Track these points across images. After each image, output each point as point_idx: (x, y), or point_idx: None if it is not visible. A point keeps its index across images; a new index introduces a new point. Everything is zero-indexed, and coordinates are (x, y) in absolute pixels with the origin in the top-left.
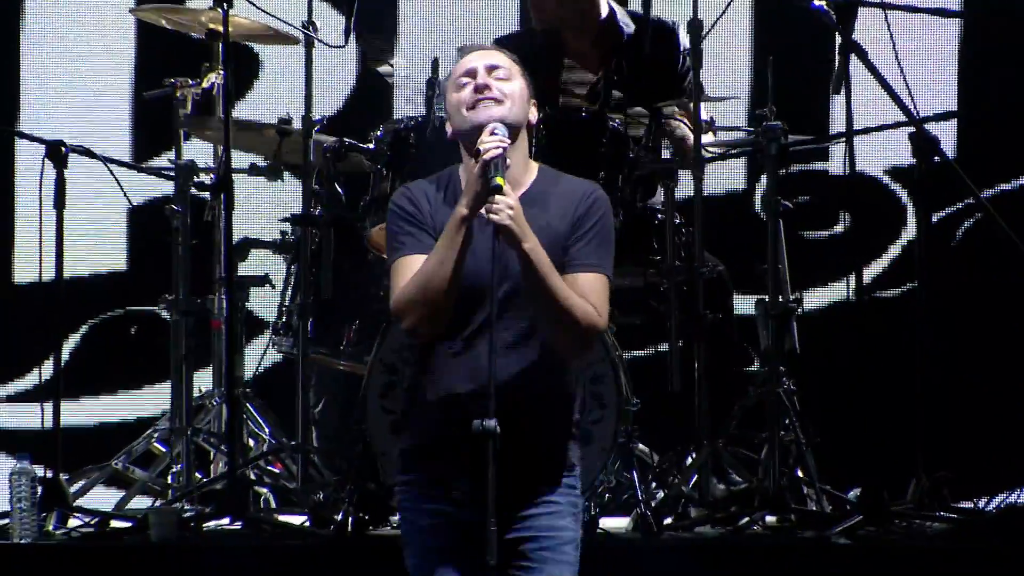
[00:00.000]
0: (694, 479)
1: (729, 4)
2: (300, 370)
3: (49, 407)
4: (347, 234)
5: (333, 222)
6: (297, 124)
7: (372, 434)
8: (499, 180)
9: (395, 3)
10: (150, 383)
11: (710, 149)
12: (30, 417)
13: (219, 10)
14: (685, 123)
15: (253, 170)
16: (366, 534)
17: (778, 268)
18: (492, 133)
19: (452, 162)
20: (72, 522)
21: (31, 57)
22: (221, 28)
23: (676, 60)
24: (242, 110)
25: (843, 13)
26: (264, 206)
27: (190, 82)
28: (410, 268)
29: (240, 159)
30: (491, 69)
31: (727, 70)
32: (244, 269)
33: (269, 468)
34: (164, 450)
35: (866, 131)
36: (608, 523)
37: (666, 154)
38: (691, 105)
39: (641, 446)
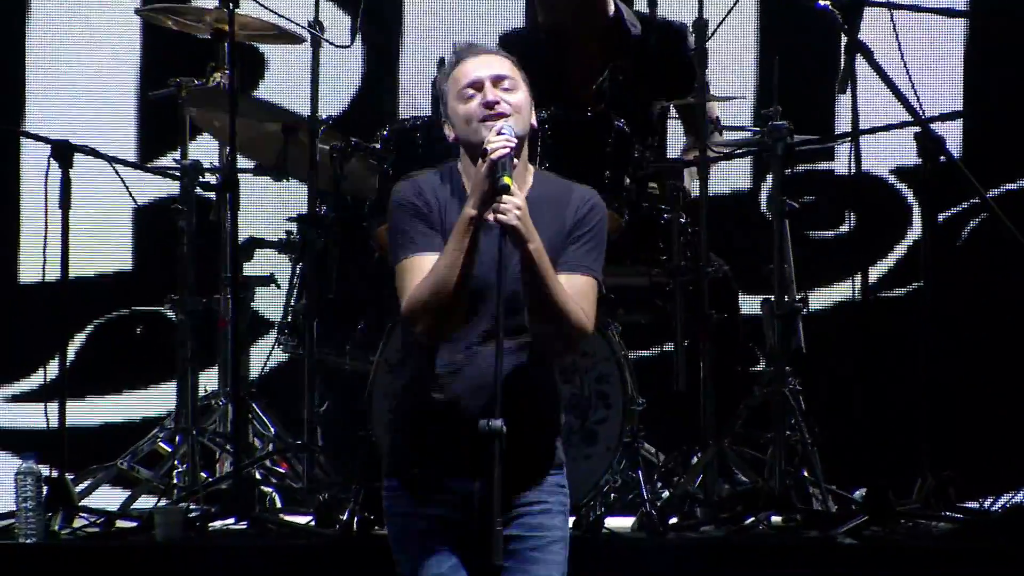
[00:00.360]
0: (700, 479)
1: (735, 4)
2: (306, 370)
3: (55, 407)
4: (353, 234)
5: (339, 222)
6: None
7: (377, 434)
8: (507, 180)
9: (400, 3)
10: (155, 383)
11: (716, 149)
12: (36, 417)
13: (225, 10)
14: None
15: (258, 170)
16: (371, 534)
17: (784, 268)
18: (499, 133)
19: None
20: (78, 522)
21: (37, 57)
22: (227, 28)
23: (684, 61)
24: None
25: (849, 13)
26: (270, 206)
27: (195, 82)
28: (419, 268)
29: (245, 158)
30: (497, 81)
31: (733, 70)
32: (250, 269)
33: (274, 468)
34: (169, 450)
35: (872, 131)
36: (613, 522)
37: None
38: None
39: (647, 446)
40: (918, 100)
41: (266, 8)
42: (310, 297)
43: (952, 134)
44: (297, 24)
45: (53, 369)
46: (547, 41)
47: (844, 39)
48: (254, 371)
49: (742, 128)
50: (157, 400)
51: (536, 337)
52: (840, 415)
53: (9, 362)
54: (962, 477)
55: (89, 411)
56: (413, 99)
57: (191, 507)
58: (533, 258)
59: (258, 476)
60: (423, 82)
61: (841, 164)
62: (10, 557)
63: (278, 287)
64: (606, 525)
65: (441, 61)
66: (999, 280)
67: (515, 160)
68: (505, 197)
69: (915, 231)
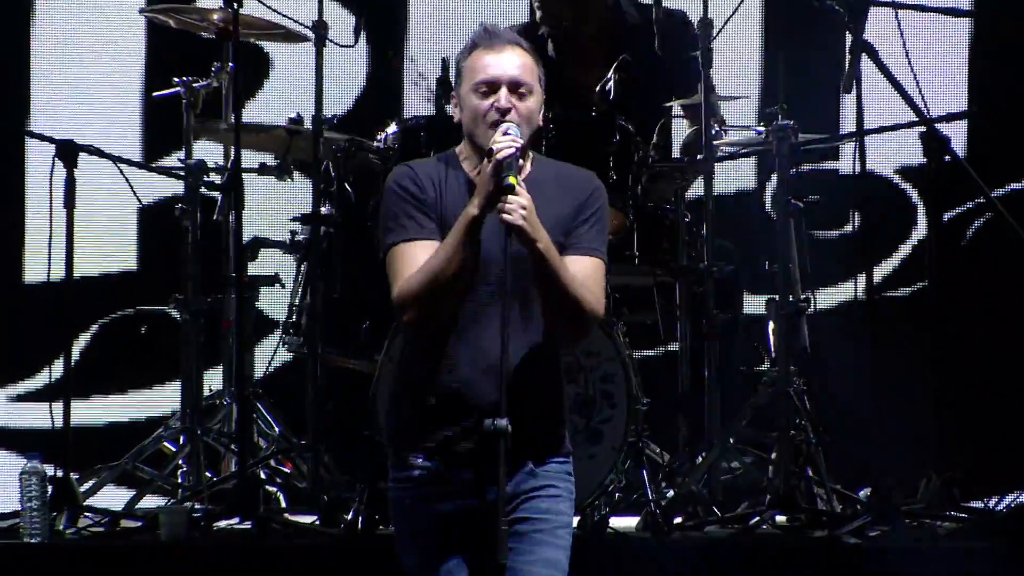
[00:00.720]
0: (704, 478)
1: (740, 3)
2: (310, 369)
3: (59, 406)
4: (357, 233)
5: (343, 221)
6: (307, 123)
7: (381, 433)
8: (512, 179)
9: (405, 2)
10: (160, 382)
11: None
12: (40, 416)
13: (229, 10)
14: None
15: (263, 169)
16: (376, 533)
17: (788, 267)
18: (505, 133)
19: None
20: (82, 521)
21: (41, 57)
22: (231, 27)
23: (686, 51)
24: (252, 109)
25: (854, 12)
26: (274, 205)
27: (200, 82)
28: (411, 256)
29: (250, 158)
30: (514, 88)
31: (737, 69)
32: (254, 269)
33: (279, 467)
34: (174, 449)
35: (877, 130)
36: (618, 522)
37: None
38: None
39: (651, 445)
40: (923, 99)
41: (270, 8)
42: (315, 297)
43: (957, 133)
44: (301, 24)
45: (58, 369)
46: (548, 36)
47: (849, 38)
48: (259, 371)
49: (747, 127)
50: (162, 400)
51: (549, 326)
52: (844, 415)
53: (14, 362)
54: (967, 477)
55: (94, 411)
56: (417, 98)
57: (196, 507)
58: (543, 255)
59: (263, 476)
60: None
61: (846, 163)
62: (15, 557)
63: (283, 287)
64: (611, 525)
65: (444, 61)
66: (1004, 279)
67: (521, 160)
68: (511, 197)
69: (920, 231)
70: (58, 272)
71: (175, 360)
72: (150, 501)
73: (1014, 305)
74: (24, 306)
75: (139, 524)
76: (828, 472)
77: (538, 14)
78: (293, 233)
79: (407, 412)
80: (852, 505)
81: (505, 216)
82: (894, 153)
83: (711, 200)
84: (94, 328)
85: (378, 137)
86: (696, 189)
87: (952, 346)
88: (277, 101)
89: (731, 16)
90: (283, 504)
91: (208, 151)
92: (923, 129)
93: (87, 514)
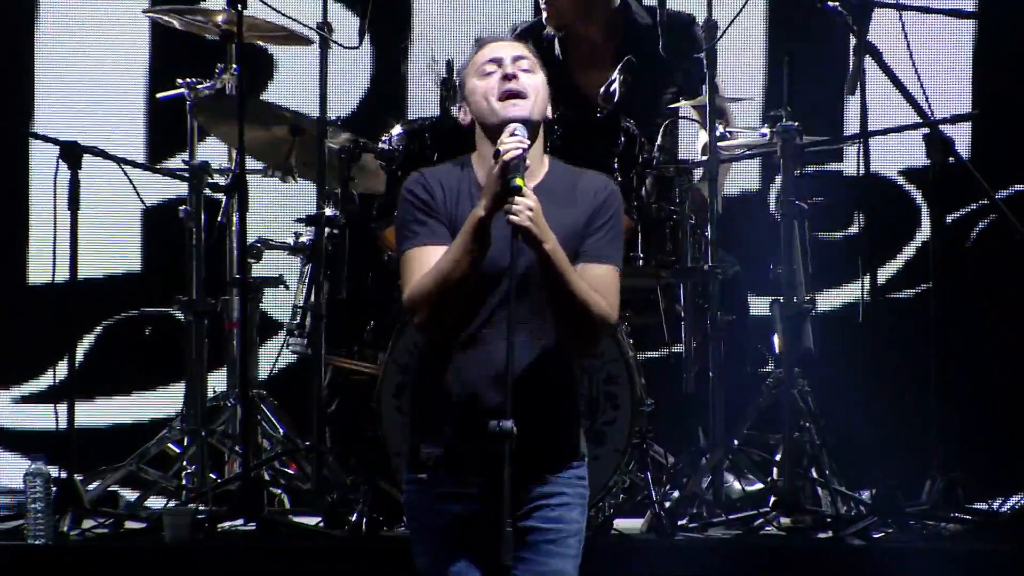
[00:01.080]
0: (708, 480)
1: (745, 5)
2: (315, 371)
3: (63, 408)
4: (361, 235)
5: (347, 223)
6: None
7: (386, 434)
8: (519, 181)
9: (409, 4)
10: (164, 384)
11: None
12: (45, 418)
13: (233, 11)
14: (698, 120)
15: (266, 171)
16: (380, 535)
17: (793, 269)
18: (512, 134)
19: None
20: (86, 523)
21: (45, 58)
22: (235, 29)
23: (690, 52)
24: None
25: (858, 14)
26: (278, 207)
27: (204, 83)
28: (423, 259)
29: (254, 159)
30: (517, 59)
31: (742, 71)
32: (258, 270)
33: (283, 469)
34: (178, 451)
35: (881, 132)
36: (622, 524)
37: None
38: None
39: (655, 447)
40: (927, 101)
41: (274, 9)
42: (318, 298)
43: (961, 135)
44: (305, 25)
45: (62, 370)
46: (553, 37)
47: (853, 40)
48: (263, 372)
49: (751, 129)
50: (166, 401)
51: (561, 334)
52: (849, 416)
53: (18, 363)
54: (971, 478)
55: (98, 412)
56: (421, 99)
57: (200, 508)
58: (550, 258)
59: (267, 477)
60: (431, 83)
61: (850, 165)
62: (19, 558)
63: (287, 288)
64: (615, 526)
65: (449, 62)
66: (1008, 281)
67: (527, 162)
68: (517, 198)
69: (924, 232)
70: (62, 274)
71: (179, 361)
72: (154, 503)
73: (1018, 306)
74: (28, 308)
75: (143, 526)
76: (832, 474)
77: (544, 14)
78: (297, 234)
79: (420, 416)
80: (856, 507)
81: (512, 217)
82: (898, 155)
83: (716, 202)
84: (98, 330)
85: (382, 138)
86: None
87: (956, 347)
88: (281, 103)
89: (735, 18)
90: (287, 505)
91: (212, 153)
92: (927, 131)
93: (91, 516)
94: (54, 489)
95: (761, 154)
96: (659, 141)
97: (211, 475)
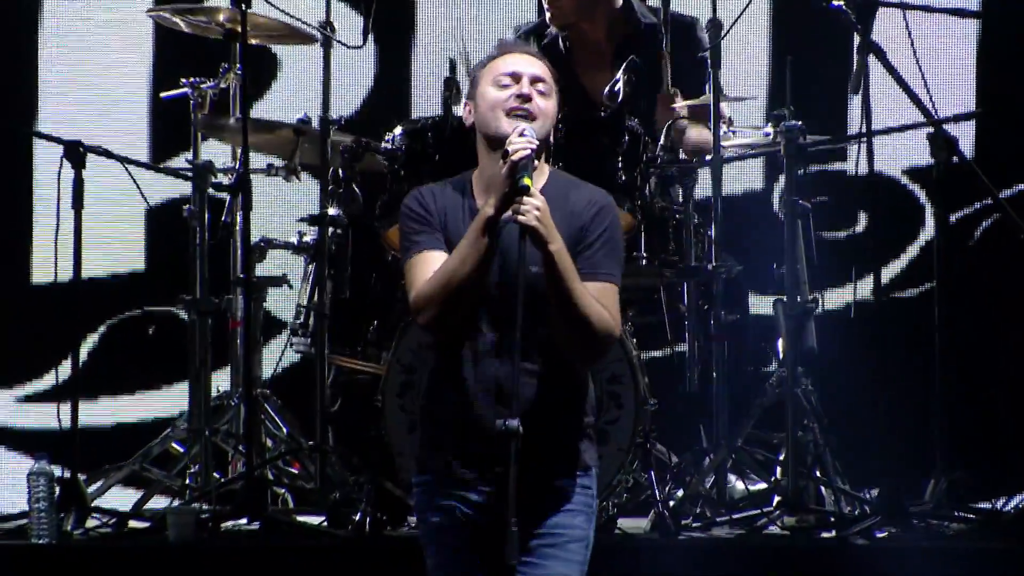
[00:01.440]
0: (712, 479)
1: (748, 4)
2: (318, 370)
3: (67, 407)
4: (365, 234)
5: (351, 222)
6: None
7: (389, 433)
8: (527, 181)
9: (412, 3)
10: (168, 383)
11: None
12: (48, 417)
13: (236, 11)
14: (684, 116)
15: (270, 170)
16: (383, 534)
17: (796, 268)
18: (521, 134)
19: (470, 161)
20: (90, 522)
21: (49, 58)
22: (239, 28)
23: (694, 55)
24: (260, 110)
25: (861, 13)
26: (282, 206)
27: (208, 83)
28: (428, 263)
29: (257, 159)
30: (535, 80)
31: (745, 70)
32: (262, 269)
33: (287, 468)
34: (182, 450)
35: (885, 131)
36: (626, 523)
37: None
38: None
39: (659, 446)
40: (931, 100)
41: (278, 9)
42: (322, 297)
43: (965, 134)
44: (309, 25)
45: (65, 369)
46: (558, 37)
47: (857, 39)
48: (267, 371)
49: (755, 128)
50: (169, 400)
51: (562, 342)
52: (852, 415)
53: (22, 363)
54: (975, 478)
55: (102, 411)
56: (425, 99)
57: (204, 507)
58: (555, 259)
59: (270, 476)
60: (435, 82)
61: (853, 164)
62: (23, 557)
63: (290, 287)
64: (619, 526)
65: (452, 61)
66: (1012, 280)
67: (535, 162)
68: (525, 198)
69: (928, 231)
70: (66, 273)
71: (183, 361)
72: (158, 502)
73: (1022, 305)
74: (32, 307)
75: (147, 525)
76: (836, 473)
77: (547, 14)
78: (301, 234)
79: (427, 420)
80: (860, 506)
81: (519, 217)
82: (902, 154)
83: (719, 201)
84: (102, 329)
85: (386, 138)
86: (704, 190)
87: (959, 347)
88: (285, 102)
89: (739, 17)
90: (291, 505)
91: (216, 152)
92: (931, 130)
93: (95, 515)
94: (57, 488)
95: (765, 153)
96: (662, 140)
97: (215, 474)
